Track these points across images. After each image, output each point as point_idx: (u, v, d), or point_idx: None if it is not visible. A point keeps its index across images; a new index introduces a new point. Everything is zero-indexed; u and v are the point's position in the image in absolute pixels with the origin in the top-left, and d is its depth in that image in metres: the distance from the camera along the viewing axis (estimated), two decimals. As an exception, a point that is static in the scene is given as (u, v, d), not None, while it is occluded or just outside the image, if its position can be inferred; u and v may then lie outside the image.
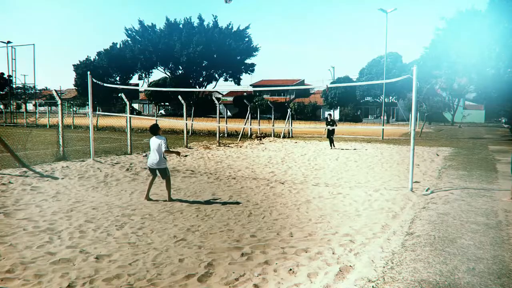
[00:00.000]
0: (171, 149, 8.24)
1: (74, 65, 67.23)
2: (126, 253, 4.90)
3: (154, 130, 7.68)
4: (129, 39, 68.49)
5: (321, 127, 18.77)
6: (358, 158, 14.94)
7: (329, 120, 18.20)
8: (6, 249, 4.95)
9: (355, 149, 18.32)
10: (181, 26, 66.97)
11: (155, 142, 7.53)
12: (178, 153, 8.19)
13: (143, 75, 70.51)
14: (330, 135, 18.11)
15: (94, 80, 12.59)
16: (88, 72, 13.15)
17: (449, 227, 5.98)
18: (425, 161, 13.95)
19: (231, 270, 4.45)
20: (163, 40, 65.60)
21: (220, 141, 19.25)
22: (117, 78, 68.97)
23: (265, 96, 70.71)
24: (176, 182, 9.53)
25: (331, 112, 26.33)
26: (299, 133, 28.66)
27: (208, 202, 7.66)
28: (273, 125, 25.70)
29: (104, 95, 51.48)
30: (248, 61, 70.49)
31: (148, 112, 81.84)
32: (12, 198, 7.57)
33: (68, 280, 4.13)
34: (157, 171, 7.63)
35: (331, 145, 18.05)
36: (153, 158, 7.56)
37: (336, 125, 18.50)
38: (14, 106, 47.49)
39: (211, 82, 71.86)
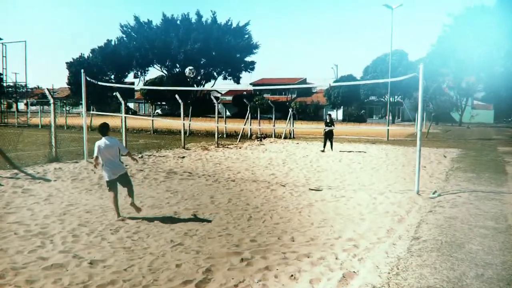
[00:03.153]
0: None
1: (67, 63, 65.47)
2: (121, 258, 4.82)
3: (105, 129, 6.55)
4: (124, 36, 66.64)
5: (323, 128, 18.39)
6: (362, 159, 14.77)
7: (327, 120, 17.78)
8: (-3, 254, 4.87)
9: (358, 151, 18.14)
10: (178, 22, 65.25)
11: (110, 144, 6.40)
12: (136, 160, 7.12)
13: (139, 73, 69.06)
14: (328, 136, 17.35)
15: (88, 78, 12.49)
16: (82, 70, 12.91)
17: (456, 231, 5.87)
18: (432, 163, 13.77)
19: (230, 276, 4.38)
20: (159, 37, 63.76)
21: (218, 142, 19.01)
22: (112, 76, 67.26)
23: (265, 95, 69.76)
24: (173, 185, 9.38)
25: (331, 112, 25.81)
26: (301, 133, 28.49)
27: (206, 206, 7.52)
28: (274, 125, 25.47)
29: (98, 94, 50.84)
30: (248, 58, 68.70)
31: (144, 111, 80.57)
32: (3, 201, 7.43)
33: (61, 286, 4.09)
34: (120, 178, 6.56)
35: (327, 147, 17.17)
36: (115, 165, 6.46)
37: (334, 126, 18.11)
38: (5, 105, 46.68)
39: (210, 81, 70.36)
